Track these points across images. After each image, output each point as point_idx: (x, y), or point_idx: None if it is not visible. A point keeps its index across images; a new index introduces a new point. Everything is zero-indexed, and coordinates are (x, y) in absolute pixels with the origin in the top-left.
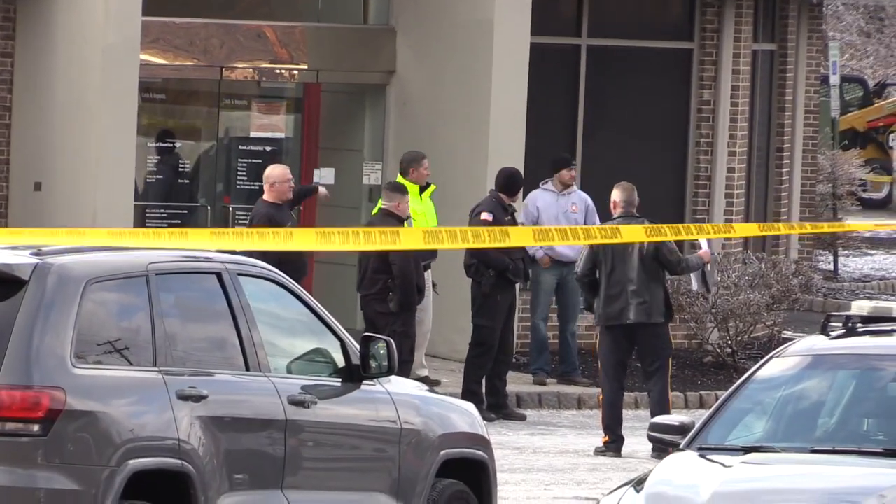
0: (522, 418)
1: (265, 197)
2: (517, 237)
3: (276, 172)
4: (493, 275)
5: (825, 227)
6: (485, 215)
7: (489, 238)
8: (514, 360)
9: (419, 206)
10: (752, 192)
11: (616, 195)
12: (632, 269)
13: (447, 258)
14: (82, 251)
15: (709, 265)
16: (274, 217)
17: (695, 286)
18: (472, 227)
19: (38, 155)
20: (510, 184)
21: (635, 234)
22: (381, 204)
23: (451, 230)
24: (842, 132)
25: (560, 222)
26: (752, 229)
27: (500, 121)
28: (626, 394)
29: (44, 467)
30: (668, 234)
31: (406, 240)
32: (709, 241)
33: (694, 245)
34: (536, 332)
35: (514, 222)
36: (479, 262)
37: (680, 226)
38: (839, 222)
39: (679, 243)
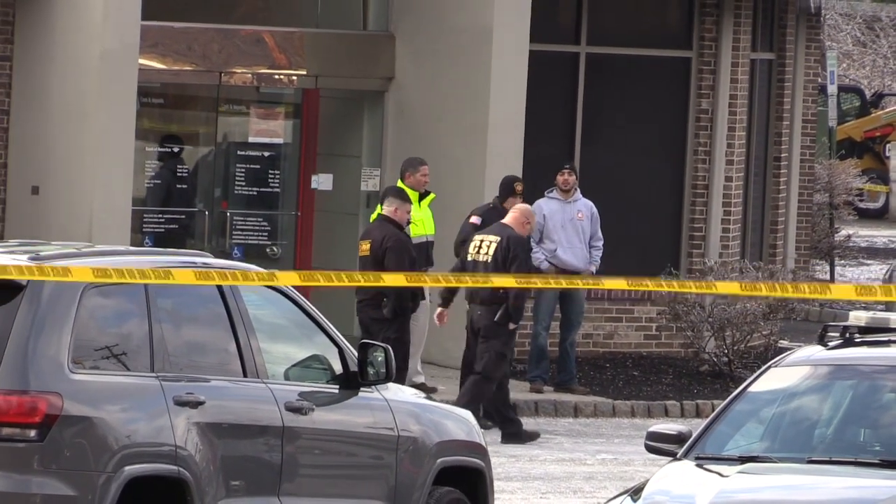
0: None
1: (509, 223)
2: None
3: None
4: None
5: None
6: (473, 218)
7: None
8: (511, 367)
9: (417, 213)
10: (750, 201)
11: None
12: None
13: (443, 265)
14: (81, 256)
15: None
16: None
17: None
18: (462, 232)
19: (36, 159)
20: (503, 189)
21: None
22: (380, 209)
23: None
24: (839, 142)
25: (566, 229)
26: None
27: (498, 128)
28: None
29: (40, 473)
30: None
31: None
32: None
33: None
34: (536, 341)
35: None
36: None
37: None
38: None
39: None
